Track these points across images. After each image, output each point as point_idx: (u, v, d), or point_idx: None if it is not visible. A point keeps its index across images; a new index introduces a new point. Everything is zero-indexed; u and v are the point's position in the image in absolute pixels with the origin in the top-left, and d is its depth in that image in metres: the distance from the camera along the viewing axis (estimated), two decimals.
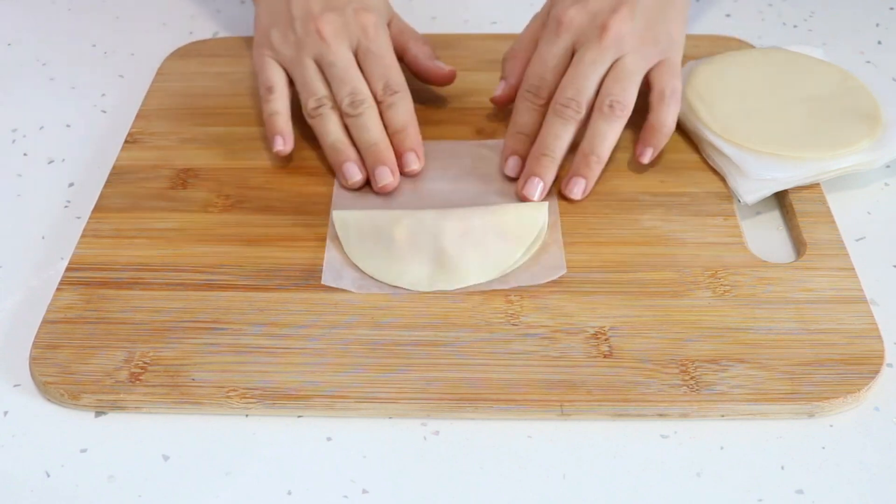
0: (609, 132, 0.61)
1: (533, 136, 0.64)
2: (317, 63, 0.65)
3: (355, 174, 0.63)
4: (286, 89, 0.66)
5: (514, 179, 0.64)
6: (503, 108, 0.69)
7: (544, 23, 0.66)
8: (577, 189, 0.62)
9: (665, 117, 0.62)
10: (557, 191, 0.62)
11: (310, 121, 0.65)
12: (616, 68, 0.62)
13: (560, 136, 0.62)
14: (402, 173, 0.64)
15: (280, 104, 0.65)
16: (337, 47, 0.64)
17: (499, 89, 0.68)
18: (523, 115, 0.64)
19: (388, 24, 0.69)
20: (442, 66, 0.70)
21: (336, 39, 0.64)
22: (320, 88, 0.64)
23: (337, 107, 0.64)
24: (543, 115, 0.63)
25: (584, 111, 0.62)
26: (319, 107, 0.64)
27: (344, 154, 0.63)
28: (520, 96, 0.65)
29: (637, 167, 0.64)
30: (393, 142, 0.64)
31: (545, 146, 0.62)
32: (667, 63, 0.64)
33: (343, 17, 0.65)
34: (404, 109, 0.64)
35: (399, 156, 0.64)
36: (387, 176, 0.62)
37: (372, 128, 0.63)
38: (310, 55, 0.65)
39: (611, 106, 0.61)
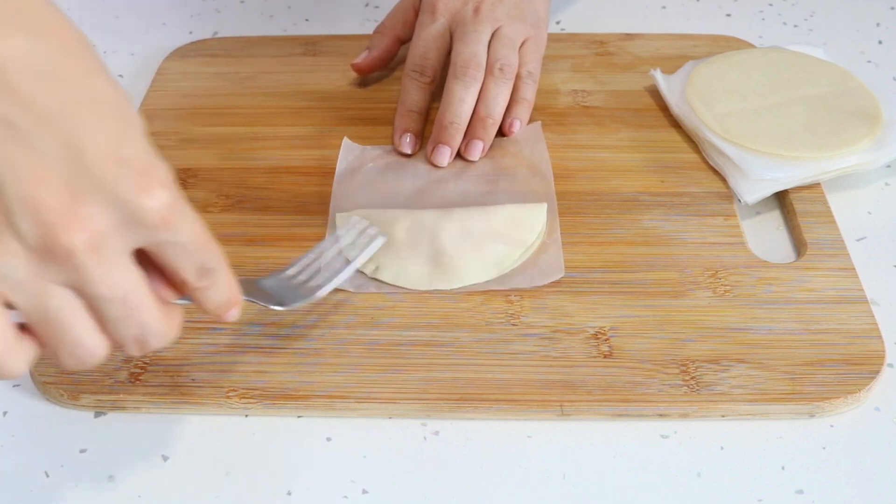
0: (500, 94, 0.65)
1: (423, 113, 0.67)
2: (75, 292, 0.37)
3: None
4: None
5: (408, 155, 0.66)
6: (362, 76, 0.72)
7: (414, 6, 0.71)
8: (476, 151, 0.64)
9: (525, 92, 0.67)
10: (557, 189, 0.62)
11: None
12: (497, 36, 0.66)
13: (464, 100, 0.64)
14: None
15: None
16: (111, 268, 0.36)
17: (360, 57, 0.71)
18: (412, 94, 0.67)
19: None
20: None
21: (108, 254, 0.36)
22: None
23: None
24: (430, 93, 0.67)
25: (482, 72, 0.65)
26: None
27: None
28: (406, 77, 0.68)
29: (637, 167, 0.64)
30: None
31: (452, 113, 0.64)
32: (533, 41, 0.68)
33: (113, 204, 0.36)
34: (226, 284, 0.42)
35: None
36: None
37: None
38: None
39: (501, 69, 0.65)
